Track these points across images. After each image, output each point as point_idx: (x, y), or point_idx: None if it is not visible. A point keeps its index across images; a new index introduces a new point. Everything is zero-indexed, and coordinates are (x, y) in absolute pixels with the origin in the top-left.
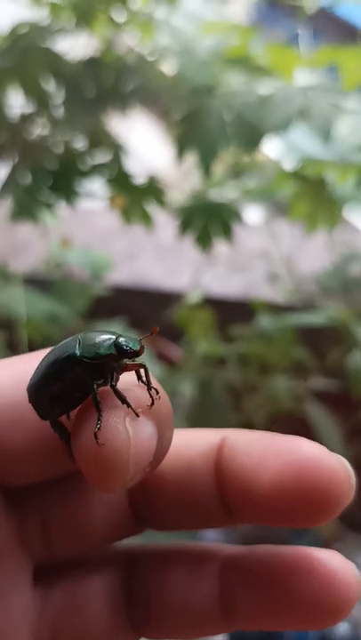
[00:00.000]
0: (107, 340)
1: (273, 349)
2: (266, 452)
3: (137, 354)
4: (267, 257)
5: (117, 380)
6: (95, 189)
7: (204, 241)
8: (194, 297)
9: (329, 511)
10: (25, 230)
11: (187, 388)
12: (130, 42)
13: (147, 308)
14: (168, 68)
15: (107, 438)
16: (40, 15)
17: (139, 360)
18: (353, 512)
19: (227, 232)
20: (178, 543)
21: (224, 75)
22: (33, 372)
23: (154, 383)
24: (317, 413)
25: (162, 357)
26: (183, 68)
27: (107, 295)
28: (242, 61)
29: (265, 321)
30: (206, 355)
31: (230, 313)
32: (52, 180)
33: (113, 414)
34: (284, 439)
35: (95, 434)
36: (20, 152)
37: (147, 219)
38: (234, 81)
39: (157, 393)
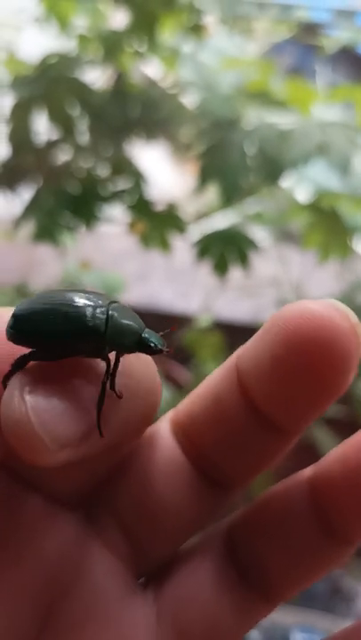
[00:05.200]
0: (135, 333)
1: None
2: (263, 339)
3: (159, 352)
4: (277, 283)
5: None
6: (114, 214)
7: (221, 268)
8: (204, 320)
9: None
10: (42, 250)
11: None
12: (153, 74)
13: (157, 330)
14: (189, 100)
15: (2, 404)
16: (69, 46)
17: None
18: None
19: (243, 260)
20: (262, 495)
21: (245, 109)
22: (27, 305)
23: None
24: (325, 439)
25: (170, 379)
26: (206, 101)
27: None
28: (262, 96)
29: None
30: None
31: (240, 337)
32: (74, 204)
33: (15, 381)
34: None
35: None
36: (44, 176)
37: (165, 245)
38: (254, 115)
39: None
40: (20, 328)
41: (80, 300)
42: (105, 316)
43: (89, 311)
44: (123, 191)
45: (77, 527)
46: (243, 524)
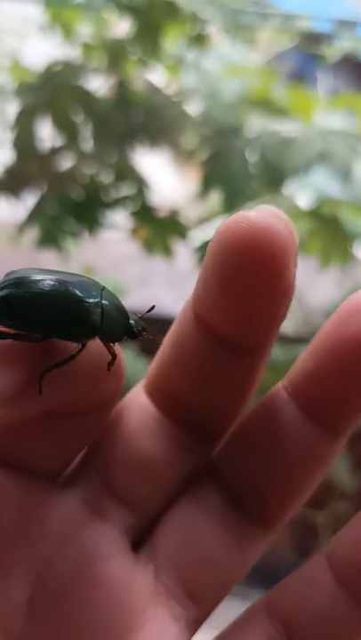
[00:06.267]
0: (125, 325)
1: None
2: None
3: (139, 337)
4: None
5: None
6: (117, 220)
7: None
8: None
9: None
10: (45, 256)
11: None
12: (156, 81)
13: (158, 335)
14: (192, 107)
15: None
16: (73, 54)
17: None
18: None
19: None
20: (243, 415)
21: (248, 116)
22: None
23: None
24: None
25: None
26: (209, 109)
27: None
28: (264, 104)
29: (274, 351)
30: None
31: None
32: (77, 210)
33: None
34: None
35: None
36: (48, 182)
37: (167, 250)
38: (257, 123)
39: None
40: (6, 309)
41: (75, 291)
42: (100, 311)
43: (85, 306)
44: (125, 197)
45: (55, 491)
46: (229, 449)
